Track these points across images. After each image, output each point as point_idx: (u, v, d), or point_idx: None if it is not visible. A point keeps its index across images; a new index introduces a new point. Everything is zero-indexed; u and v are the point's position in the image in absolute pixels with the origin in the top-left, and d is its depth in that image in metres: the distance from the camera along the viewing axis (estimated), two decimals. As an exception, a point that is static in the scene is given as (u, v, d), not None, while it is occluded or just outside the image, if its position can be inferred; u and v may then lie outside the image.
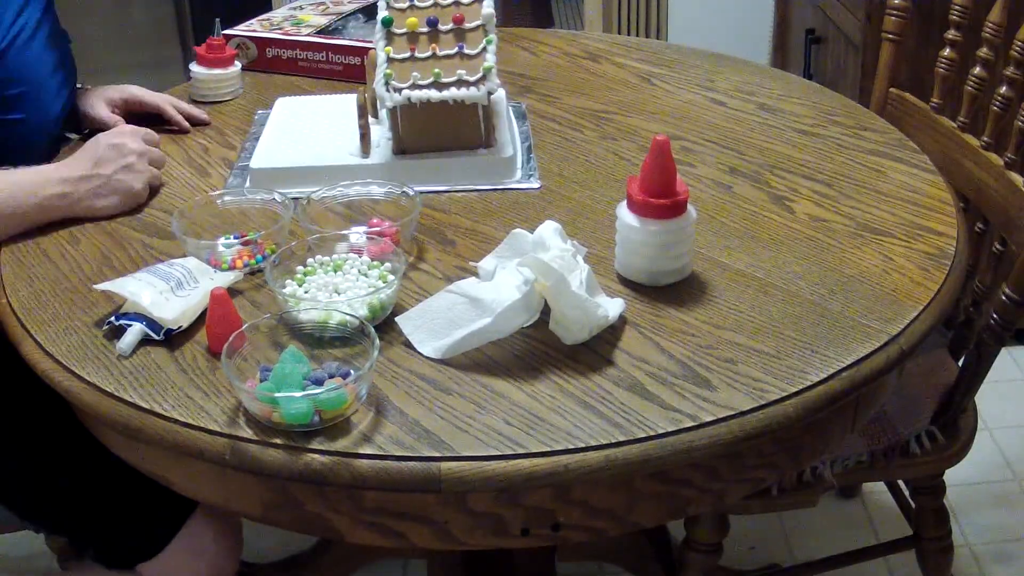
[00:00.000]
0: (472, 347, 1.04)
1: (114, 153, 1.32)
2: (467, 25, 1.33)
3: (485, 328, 1.02)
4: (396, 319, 1.07)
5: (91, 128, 1.49)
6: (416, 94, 1.31)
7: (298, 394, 0.94)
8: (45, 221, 1.29)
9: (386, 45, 1.33)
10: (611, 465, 0.92)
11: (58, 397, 1.07)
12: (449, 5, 1.34)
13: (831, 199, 1.30)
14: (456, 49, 1.32)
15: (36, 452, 1.29)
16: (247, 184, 1.37)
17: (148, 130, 1.40)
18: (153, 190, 1.36)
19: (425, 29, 1.33)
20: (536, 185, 1.36)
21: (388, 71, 1.31)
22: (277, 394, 0.94)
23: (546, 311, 1.06)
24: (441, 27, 1.33)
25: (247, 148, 1.46)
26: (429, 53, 1.32)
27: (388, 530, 0.98)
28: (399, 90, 1.31)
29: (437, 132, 1.35)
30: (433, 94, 1.31)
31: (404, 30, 1.33)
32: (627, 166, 1.40)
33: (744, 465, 1.02)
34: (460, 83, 1.31)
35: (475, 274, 1.12)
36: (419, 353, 1.04)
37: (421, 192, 1.26)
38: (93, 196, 1.30)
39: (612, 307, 1.07)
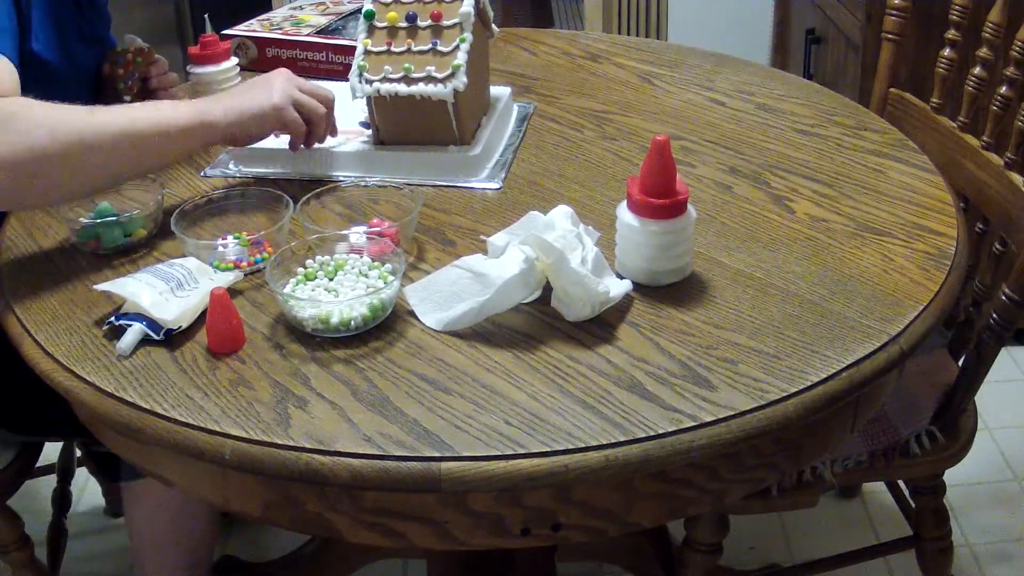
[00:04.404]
0: (474, 321, 1.06)
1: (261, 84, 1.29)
2: (444, 23, 1.34)
3: (485, 303, 1.05)
4: (404, 289, 1.10)
5: None
6: (385, 87, 1.32)
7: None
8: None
9: (366, 38, 1.35)
10: (611, 465, 0.92)
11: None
12: (431, 2, 1.35)
13: (831, 199, 1.30)
14: (430, 46, 1.33)
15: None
16: (230, 163, 1.42)
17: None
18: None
19: (404, 24, 1.35)
20: (496, 186, 1.36)
21: (362, 63, 1.34)
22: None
23: (549, 289, 1.08)
24: (420, 23, 1.34)
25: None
26: (404, 48, 1.34)
27: (388, 530, 0.98)
28: (370, 82, 1.33)
29: (412, 126, 1.37)
30: (401, 88, 1.32)
31: (384, 24, 1.35)
32: (627, 166, 1.40)
33: (744, 465, 1.02)
34: (428, 79, 1.32)
35: (483, 251, 1.14)
36: (422, 324, 1.07)
37: (388, 182, 1.30)
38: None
39: (615, 286, 1.08)
